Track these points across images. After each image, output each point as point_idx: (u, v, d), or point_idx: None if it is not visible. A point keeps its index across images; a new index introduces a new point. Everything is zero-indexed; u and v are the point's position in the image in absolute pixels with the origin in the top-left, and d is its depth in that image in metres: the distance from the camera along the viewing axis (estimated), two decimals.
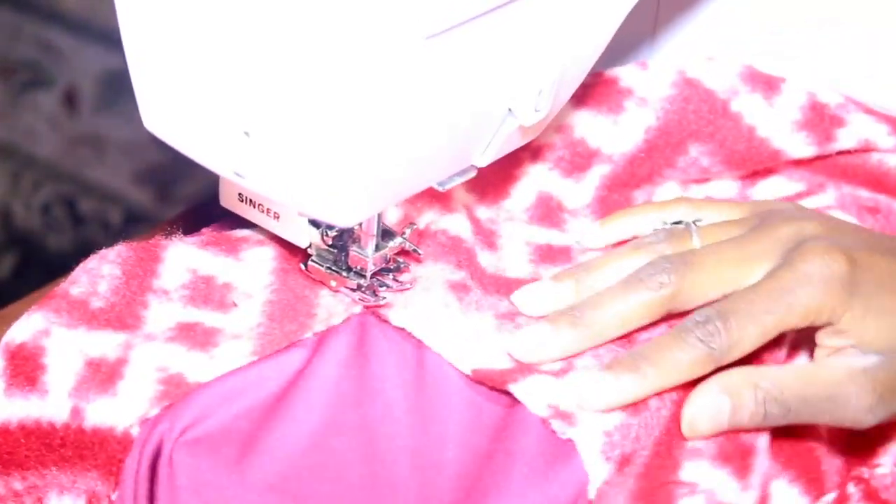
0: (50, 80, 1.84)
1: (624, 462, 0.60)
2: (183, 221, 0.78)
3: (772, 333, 0.62)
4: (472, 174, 0.64)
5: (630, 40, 0.79)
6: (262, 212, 0.66)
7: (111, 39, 1.76)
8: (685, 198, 0.73)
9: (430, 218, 0.70)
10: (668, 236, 0.67)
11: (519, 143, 0.65)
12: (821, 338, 0.63)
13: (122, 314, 0.63)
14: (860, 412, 0.62)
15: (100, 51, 1.81)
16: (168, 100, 0.59)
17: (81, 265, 0.65)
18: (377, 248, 0.65)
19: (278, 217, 0.65)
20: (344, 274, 0.66)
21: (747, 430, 0.63)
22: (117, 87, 1.80)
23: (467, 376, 0.62)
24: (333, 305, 0.65)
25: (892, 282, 0.63)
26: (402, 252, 0.67)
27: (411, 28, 0.54)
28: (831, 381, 0.62)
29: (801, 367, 0.64)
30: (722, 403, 0.62)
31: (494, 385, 0.62)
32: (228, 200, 0.67)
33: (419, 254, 0.68)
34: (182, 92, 0.58)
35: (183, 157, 0.62)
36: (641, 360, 0.62)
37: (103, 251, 0.66)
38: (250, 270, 0.66)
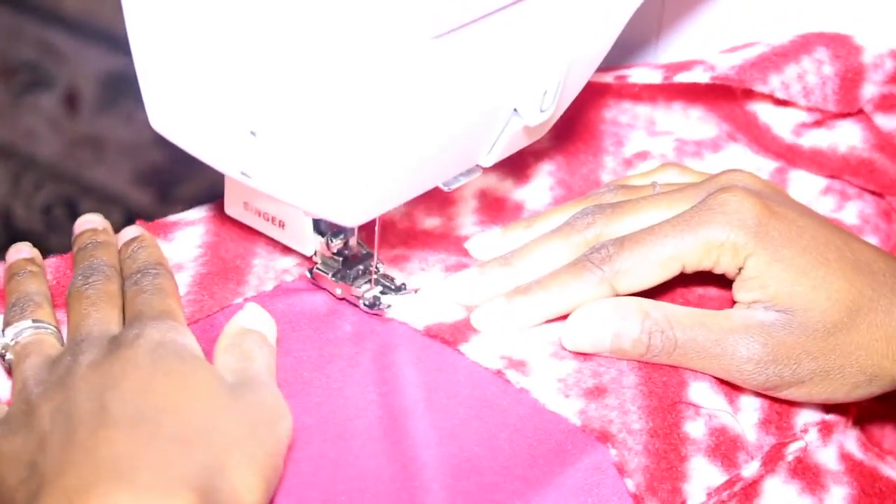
0: (50, 82, 1.85)
1: (597, 392, 0.61)
2: None
3: (671, 264, 0.62)
4: (477, 174, 0.64)
5: (635, 40, 0.80)
6: (268, 220, 0.67)
7: (111, 40, 1.77)
8: (673, 163, 0.74)
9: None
10: (624, 190, 0.68)
11: (524, 143, 0.65)
12: (735, 291, 0.63)
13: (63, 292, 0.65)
14: (748, 363, 0.61)
15: (100, 52, 1.81)
16: (175, 100, 0.59)
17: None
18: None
19: (284, 226, 0.66)
20: (349, 281, 0.66)
21: (630, 358, 0.63)
22: (118, 88, 1.80)
23: (419, 332, 0.64)
24: (264, 274, 0.67)
25: (804, 238, 0.62)
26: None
27: (418, 28, 0.54)
28: (725, 327, 0.62)
29: (701, 311, 0.63)
30: (607, 321, 0.62)
31: (446, 343, 0.63)
32: (234, 209, 0.68)
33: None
34: (189, 92, 0.58)
35: (183, 158, 0.62)
36: (535, 284, 0.64)
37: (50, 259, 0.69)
38: (181, 248, 0.69)
